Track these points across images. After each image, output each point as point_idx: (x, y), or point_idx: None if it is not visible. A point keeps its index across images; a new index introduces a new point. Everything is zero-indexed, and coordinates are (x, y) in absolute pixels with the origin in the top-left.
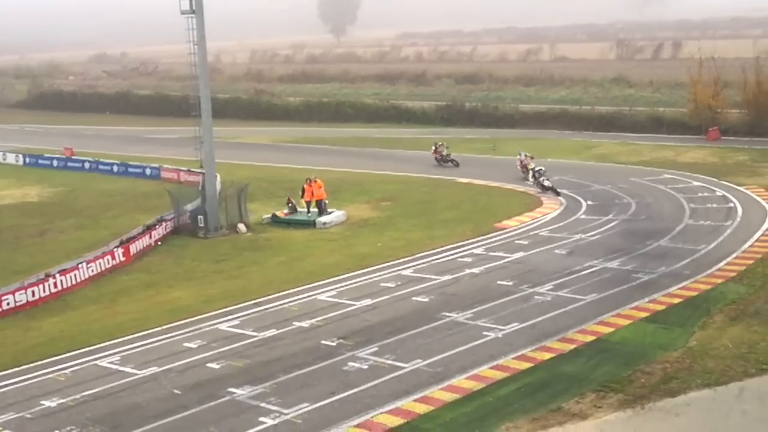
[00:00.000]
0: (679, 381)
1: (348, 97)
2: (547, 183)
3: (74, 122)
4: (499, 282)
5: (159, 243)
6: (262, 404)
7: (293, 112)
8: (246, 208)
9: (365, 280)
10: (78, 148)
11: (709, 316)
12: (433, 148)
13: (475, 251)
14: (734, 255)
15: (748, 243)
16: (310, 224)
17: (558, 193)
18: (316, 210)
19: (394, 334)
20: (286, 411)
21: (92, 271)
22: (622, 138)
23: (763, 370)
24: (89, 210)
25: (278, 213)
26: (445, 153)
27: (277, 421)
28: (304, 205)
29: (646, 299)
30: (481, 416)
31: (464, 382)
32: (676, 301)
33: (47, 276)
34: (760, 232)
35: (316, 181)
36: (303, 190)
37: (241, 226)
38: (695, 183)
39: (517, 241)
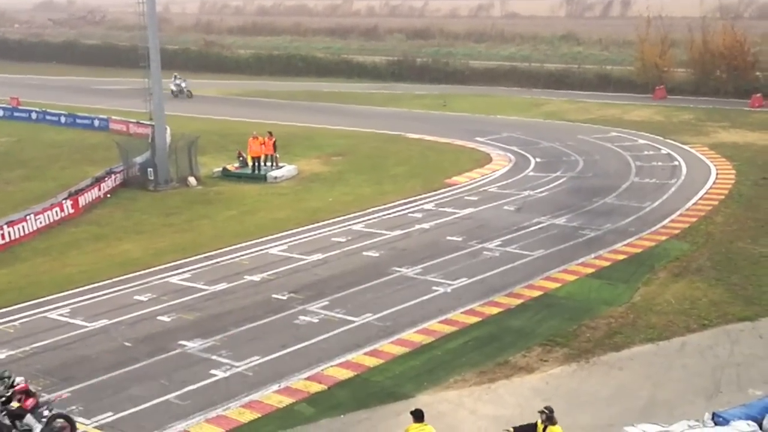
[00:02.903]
0: (623, 336)
1: (299, 50)
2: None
3: (20, 71)
4: (448, 237)
5: (108, 195)
6: (213, 357)
7: (243, 65)
8: (196, 162)
9: (316, 234)
10: (24, 98)
11: (653, 272)
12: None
13: (425, 207)
14: (678, 213)
15: (692, 201)
16: (261, 178)
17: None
18: (274, 166)
19: (345, 288)
20: (237, 364)
21: (40, 222)
22: (570, 96)
23: (704, 326)
24: (36, 161)
25: (229, 167)
26: (182, 85)
27: (228, 373)
28: (251, 160)
29: (592, 255)
30: (429, 369)
31: (413, 335)
32: (621, 257)
33: None
34: (703, 191)
35: (255, 138)
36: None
37: (192, 180)
38: (641, 141)
39: (466, 197)
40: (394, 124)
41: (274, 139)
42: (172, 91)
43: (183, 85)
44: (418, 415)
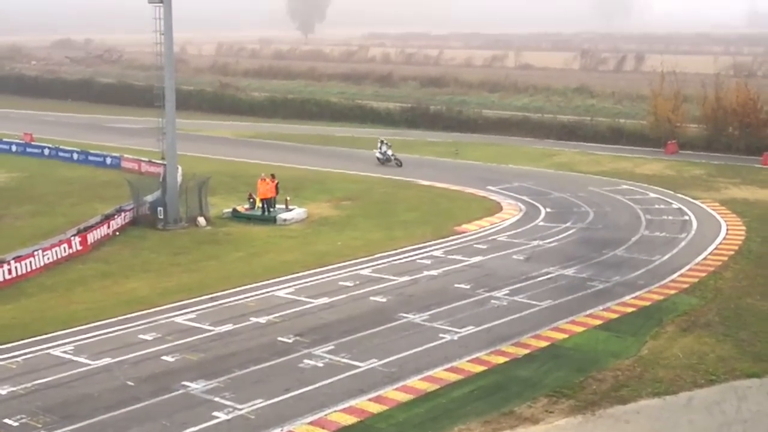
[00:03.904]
0: (630, 389)
1: (313, 94)
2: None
3: (35, 107)
4: (456, 285)
5: (117, 233)
6: (216, 399)
7: (258, 107)
8: (207, 202)
9: (323, 278)
10: (38, 134)
11: (661, 326)
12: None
13: (434, 253)
14: (687, 267)
15: (702, 256)
16: (271, 220)
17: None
18: (273, 209)
19: (351, 333)
20: (239, 406)
21: (48, 258)
22: (582, 147)
23: (711, 381)
24: (47, 197)
25: (239, 208)
26: (389, 152)
27: (230, 416)
28: (259, 201)
29: (600, 307)
30: (434, 417)
31: (418, 383)
32: (630, 310)
33: (2, 262)
34: (713, 246)
35: (264, 179)
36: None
37: (201, 220)
38: (652, 195)
39: (475, 245)
40: (405, 170)
41: (276, 182)
42: (378, 159)
43: (390, 153)
44: None
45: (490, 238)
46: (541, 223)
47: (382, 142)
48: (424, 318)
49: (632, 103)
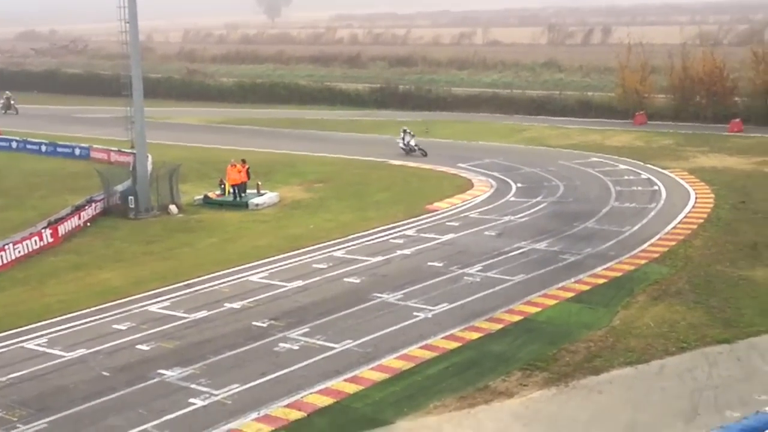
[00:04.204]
0: (603, 359)
1: (282, 78)
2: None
3: None
4: (429, 263)
5: (88, 224)
6: (192, 385)
7: (226, 93)
8: (177, 189)
9: (297, 261)
10: (5, 127)
11: (633, 296)
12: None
13: (407, 233)
14: (658, 236)
15: (671, 225)
16: (243, 206)
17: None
18: (244, 194)
19: (326, 315)
20: (216, 392)
21: (19, 252)
22: (551, 122)
23: (682, 349)
24: (16, 190)
25: (210, 194)
26: (412, 143)
27: (207, 402)
28: (230, 188)
29: (572, 280)
30: (409, 395)
31: (394, 361)
32: (601, 281)
33: None
34: (682, 215)
35: (234, 165)
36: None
37: (173, 208)
38: (621, 166)
39: (447, 223)
40: (377, 150)
41: (247, 167)
42: (403, 149)
43: (413, 143)
44: None
45: (462, 215)
46: (512, 199)
47: (405, 131)
48: (398, 297)
49: (600, 76)
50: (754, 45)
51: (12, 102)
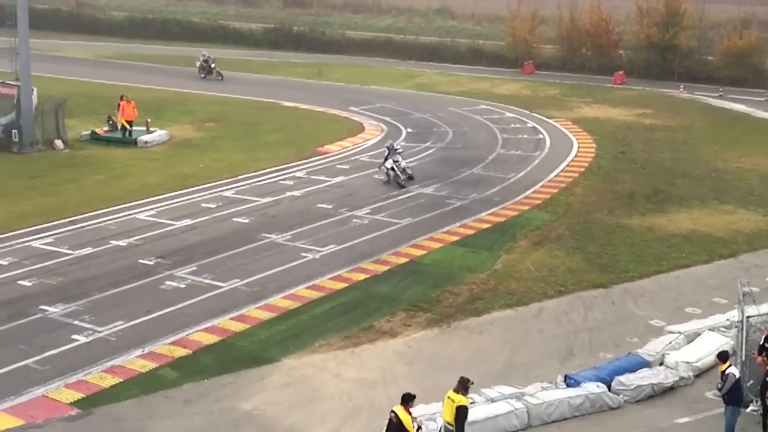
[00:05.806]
0: (484, 301)
1: (174, 14)
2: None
3: None
4: (319, 205)
5: None
6: (75, 322)
7: (117, 27)
8: (64, 124)
9: (186, 200)
10: None
11: (515, 241)
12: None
13: (297, 174)
14: (541, 184)
15: (554, 173)
16: (131, 143)
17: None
18: (134, 130)
19: (213, 254)
20: (99, 329)
21: None
22: (443, 68)
23: (560, 292)
24: None
25: (98, 130)
26: (403, 164)
27: (90, 338)
28: (127, 125)
29: (458, 224)
30: (295, 334)
31: (280, 301)
32: (485, 226)
33: None
34: (565, 163)
35: (129, 101)
36: (119, 108)
37: (58, 143)
38: (509, 114)
39: (338, 166)
40: (270, 91)
41: (132, 103)
42: (388, 175)
43: (404, 164)
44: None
45: (352, 158)
46: (402, 143)
47: (391, 149)
48: (286, 238)
49: (491, 25)
50: None
51: (213, 65)
